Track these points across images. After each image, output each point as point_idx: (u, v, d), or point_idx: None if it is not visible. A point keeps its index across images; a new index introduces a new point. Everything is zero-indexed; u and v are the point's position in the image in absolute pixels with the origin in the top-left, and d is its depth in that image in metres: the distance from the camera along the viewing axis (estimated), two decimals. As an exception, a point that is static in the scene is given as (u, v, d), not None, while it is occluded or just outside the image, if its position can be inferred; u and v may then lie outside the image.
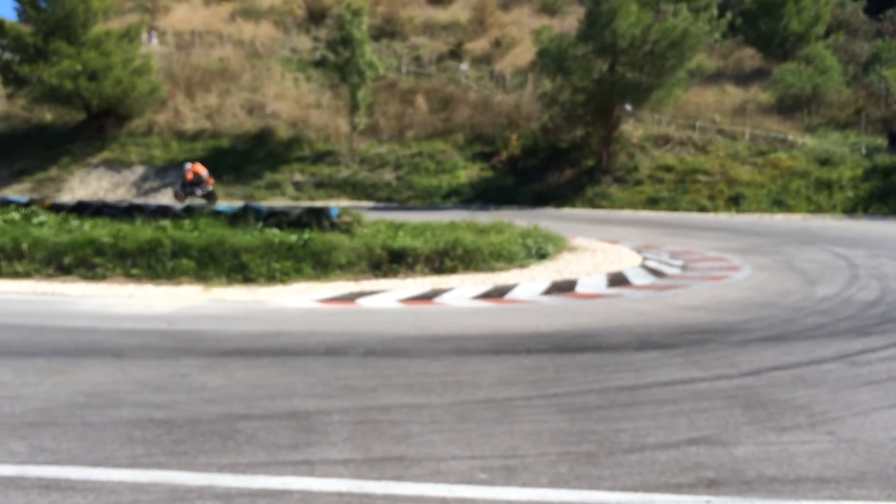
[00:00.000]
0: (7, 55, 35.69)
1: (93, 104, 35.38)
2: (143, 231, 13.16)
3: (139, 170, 34.63)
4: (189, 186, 25.01)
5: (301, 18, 47.72)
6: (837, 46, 38.39)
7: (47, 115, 38.00)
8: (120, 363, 6.66)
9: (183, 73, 39.25)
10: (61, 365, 6.59)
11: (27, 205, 16.14)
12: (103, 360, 6.77)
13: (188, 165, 25.88)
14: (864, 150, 29.95)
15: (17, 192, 30.59)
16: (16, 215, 14.96)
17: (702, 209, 28.13)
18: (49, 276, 12.19)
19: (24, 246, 12.52)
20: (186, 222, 13.93)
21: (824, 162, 29.60)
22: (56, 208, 15.97)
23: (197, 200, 22.34)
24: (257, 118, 36.57)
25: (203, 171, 25.39)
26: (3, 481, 3.99)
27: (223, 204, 19.64)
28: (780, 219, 25.76)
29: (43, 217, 14.86)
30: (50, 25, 34.17)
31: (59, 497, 3.81)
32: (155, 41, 43.55)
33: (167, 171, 34.26)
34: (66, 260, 12.38)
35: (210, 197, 24.43)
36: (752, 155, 30.82)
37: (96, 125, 36.50)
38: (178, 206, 15.94)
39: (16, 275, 12.20)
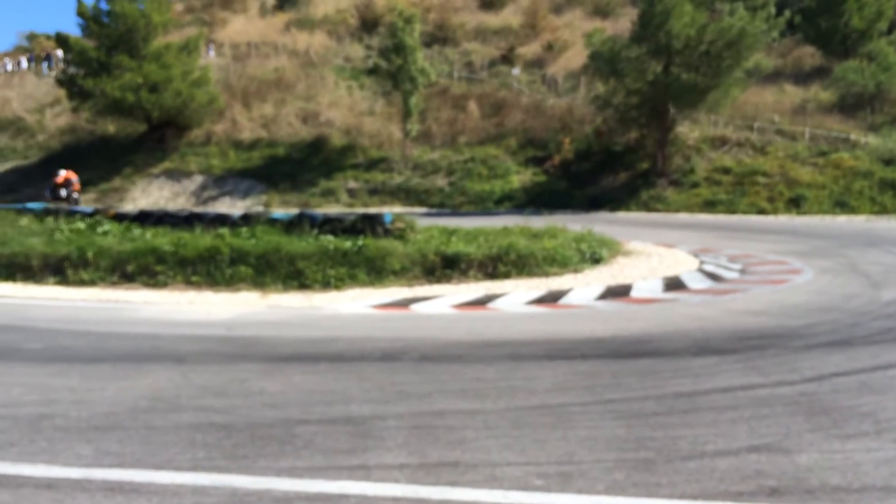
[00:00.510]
0: (72, 69, 36.91)
1: (153, 116, 36.35)
2: (202, 239, 13.44)
3: (198, 179, 35.42)
4: (57, 189, 26.11)
5: (354, 27, 48.28)
6: (901, 42, 37.25)
7: (110, 127, 39.17)
8: (181, 368, 6.81)
9: (239, 83, 40.05)
10: (125, 370, 6.77)
11: (92, 215, 16.62)
12: (165, 366, 6.93)
13: (62, 172, 26.68)
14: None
15: (82, 202, 31.53)
16: (81, 225, 15.42)
17: (761, 212, 27.53)
18: (113, 284, 12.53)
19: (90, 254, 12.90)
20: (244, 230, 14.18)
21: (889, 161, 28.71)
22: (119, 217, 16.40)
23: (63, 204, 23.52)
24: (312, 126, 37.09)
25: (74, 177, 26.42)
26: (70, 483, 4.12)
27: (279, 211, 19.92)
28: (842, 220, 25.05)
29: (107, 226, 15.29)
30: (112, 40, 35.24)
31: (124, 499, 3.91)
32: (212, 53, 44.54)
33: (226, 180, 34.99)
34: (130, 268, 12.72)
35: (70, 199, 25.62)
36: (812, 155, 30.07)
37: (157, 136, 37.48)
38: (236, 214, 16.23)
39: (82, 282, 12.58)
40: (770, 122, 32.67)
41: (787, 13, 30.33)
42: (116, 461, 4.45)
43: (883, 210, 26.65)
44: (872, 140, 30.55)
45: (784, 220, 25.85)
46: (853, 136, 30.93)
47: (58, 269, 12.96)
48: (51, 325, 9.23)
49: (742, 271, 13.37)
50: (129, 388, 6.13)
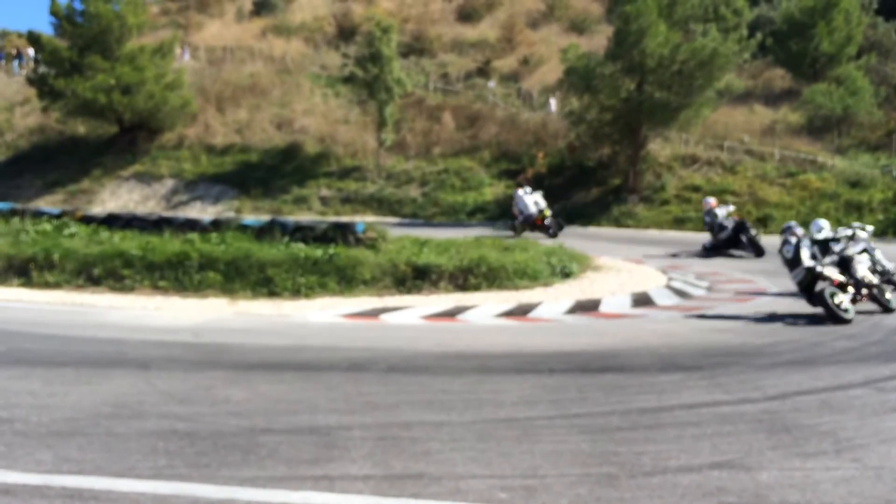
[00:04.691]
0: (43, 69, 36.41)
1: (125, 118, 35.95)
2: (171, 244, 13.32)
3: (169, 183, 35.05)
4: None
5: (331, 35, 48.21)
6: (869, 67, 37.93)
7: (81, 128, 38.65)
8: (146, 374, 6.74)
9: (214, 87, 39.76)
10: (88, 375, 6.68)
11: (59, 216, 16.38)
12: (129, 372, 6.85)
13: None
14: (895, 173, 29.54)
15: (49, 203, 31.08)
16: (48, 226, 15.20)
17: (729, 230, 27.85)
18: (79, 287, 12.36)
19: (56, 257, 12.72)
20: (213, 236, 14.07)
21: (855, 184, 29.22)
22: (87, 220, 16.19)
23: None
24: (286, 133, 36.91)
25: None
26: (29, 490, 4.05)
27: (250, 218, 19.82)
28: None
29: (74, 228, 15.08)
30: (85, 40, 34.80)
31: (83, 507, 3.86)
32: (187, 56, 44.21)
33: (197, 185, 34.66)
34: (96, 271, 12.56)
35: None
36: (780, 176, 30.52)
37: (128, 138, 37.05)
38: (206, 219, 16.10)
39: (46, 285, 12.40)
40: (740, 142, 33.13)
41: (759, 35, 30.80)
42: (76, 468, 4.39)
43: (848, 231, 27.09)
44: (839, 162, 31.09)
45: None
46: (820, 158, 31.45)
47: (22, 271, 12.76)
48: (13, 327, 9.08)
49: (709, 288, 13.53)
50: (92, 393, 6.05)
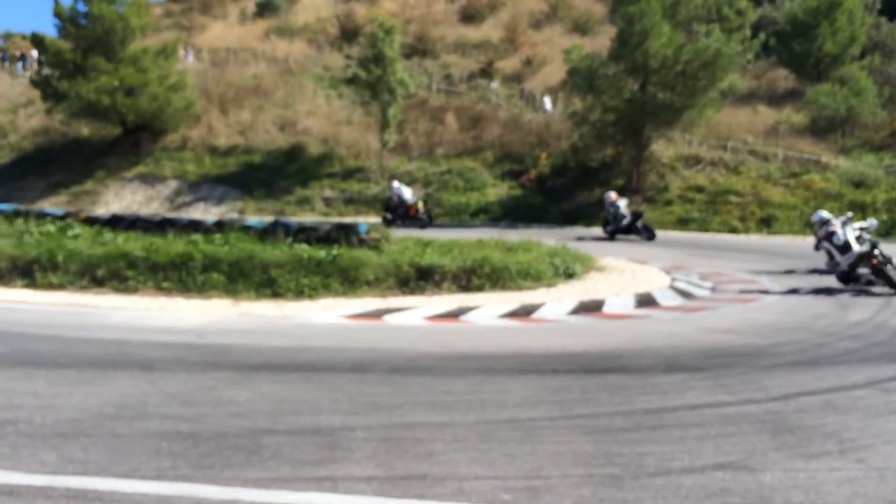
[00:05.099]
0: (47, 70, 36.49)
1: (129, 119, 36.02)
2: (174, 245, 13.34)
3: (173, 184, 35.11)
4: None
5: (334, 37, 48.26)
6: (872, 68, 37.91)
7: (84, 129, 38.72)
8: (149, 375, 6.75)
9: (217, 89, 39.82)
10: (92, 376, 6.69)
11: (63, 217, 16.42)
12: (133, 373, 6.86)
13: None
14: (899, 173, 29.51)
15: (53, 204, 31.15)
16: (51, 227, 15.24)
17: (732, 230, 27.83)
18: (82, 288, 12.39)
19: (59, 258, 12.75)
20: (217, 237, 14.09)
21: (858, 184, 29.20)
22: (91, 221, 16.23)
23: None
24: (289, 134, 36.96)
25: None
26: (33, 491, 4.06)
27: (254, 219, 19.85)
28: (812, 241, 25.33)
29: (78, 230, 15.11)
30: (89, 42, 34.87)
31: (87, 507, 3.87)
32: (191, 58, 44.29)
33: (200, 186, 34.71)
34: (100, 272, 12.58)
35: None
36: (784, 176, 30.50)
37: (132, 140, 37.12)
38: (210, 220, 16.13)
39: (50, 286, 12.42)
40: (743, 143, 33.11)
41: (763, 36, 30.80)
42: (80, 469, 4.39)
43: (852, 232, 27.05)
44: (843, 163, 31.05)
45: (755, 239, 26.15)
46: (824, 159, 31.42)
47: (26, 272, 12.78)
48: (17, 328, 9.10)
49: (713, 289, 13.51)
50: (96, 394, 6.06)
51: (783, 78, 40.66)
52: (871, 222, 15.21)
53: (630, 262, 16.66)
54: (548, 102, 37.56)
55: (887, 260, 12.65)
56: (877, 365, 7.52)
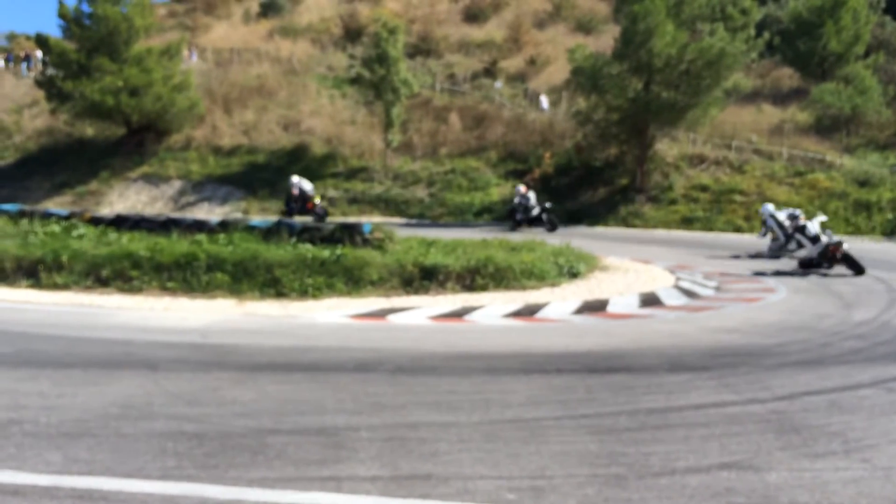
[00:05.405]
0: (51, 71, 36.57)
1: (133, 119, 36.07)
2: (179, 245, 13.36)
3: (177, 184, 35.15)
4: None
5: (337, 36, 48.28)
6: (877, 66, 37.82)
7: (89, 129, 38.79)
8: (154, 375, 6.76)
9: (221, 89, 39.86)
10: (97, 376, 6.70)
11: (67, 217, 16.45)
12: (138, 372, 6.87)
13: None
14: (904, 172, 29.43)
15: (58, 204, 31.21)
16: (56, 228, 15.27)
17: (737, 230, 27.78)
18: (87, 288, 12.41)
19: (64, 258, 12.77)
20: (221, 237, 14.10)
21: (863, 183, 29.12)
22: (95, 221, 16.26)
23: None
24: (293, 134, 36.98)
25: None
26: (39, 491, 4.07)
27: (258, 219, 19.86)
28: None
29: (82, 230, 15.14)
30: (93, 42, 34.93)
31: (92, 507, 3.87)
32: (195, 58, 44.34)
33: (204, 186, 34.76)
34: (104, 272, 12.60)
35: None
36: (789, 175, 30.44)
37: (136, 140, 37.17)
38: (214, 220, 16.15)
39: (55, 286, 12.44)
40: (748, 142, 33.06)
41: (767, 35, 30.72)
42: (86, 468, 4.40)
43: (857, 231, 27.01)
44: (848, 162, 30.98)
45: (760, 238, 26.08)
46: (829, 158, 31.36)
47: (31, 272, 12.81)
48: (22, 328, 9.12)
49: (717, 289, 13.50)
50: (100, 394, 6.07)
51: (788, 77, 40.57)
52: (824, 217, 17.39)
53: (634, 262, 16.65)
54: (544, 101, 37.60)
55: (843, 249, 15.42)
56: (882, 364, 7.51)
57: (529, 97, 38.99)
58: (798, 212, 17.57)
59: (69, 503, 3.92)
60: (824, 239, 15.62)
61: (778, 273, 15.65)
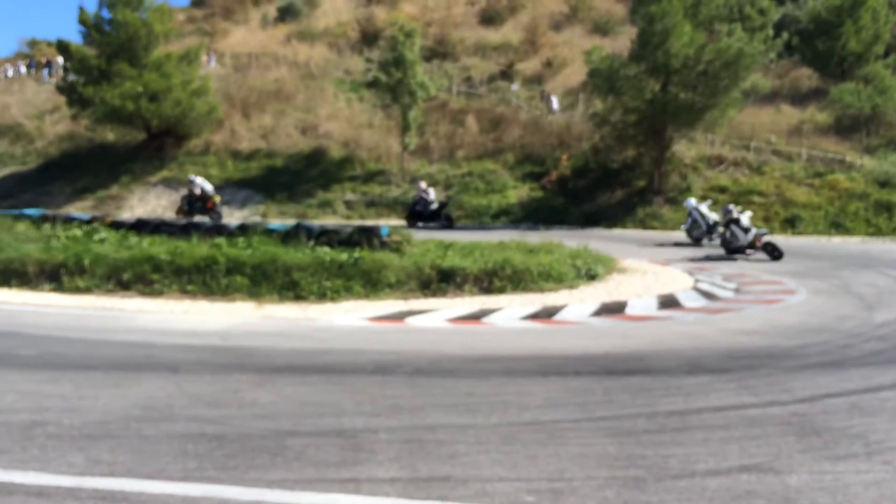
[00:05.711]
0: (72, 77, 36.96)
1: (153, 124, 36.38)
2: (198, 248, 13.44)
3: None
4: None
5: (354, 40, 48.46)
6: (898, 66, 37.51)
7: (109, 134, 39.17)
8: (175, 378, 6.81)
9: (239, 94, 40.12)
10: (118, 378, 6.77)
11: (89, 222, 16.60)
12: (159, 375, 6.93)
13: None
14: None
15: (79, 209, 31.54)
16: (78, 232, 15.42)
17: (756, 231, 27.58)
18: (108, 292, 12.52)
19: (86, 262, 12.89)
20: (240, 240, 14.18)
21: (884, 184, 28.84)
22: (116, 225, 16.40)
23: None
24: (310, 138, 37.14)
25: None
26: (62, 492, 4.12)
27: (276, 222, 19.96)
28: (837, 241, 25.13)
29: (103, 234, 15.28)
30: (113, 48, 35.27)
31: (115, 508, 3.92)
32: (213, 63, 44.65)
33: (223, 190, 34.97)
34: (125, 276, 12.71)
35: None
36: (808, 176, 30.20)
37: (156, 145, 37.48)
38: (233, 223, 16.25)
39: (77, 290, 12.57)
40: (766, 143, 32.83)
41: (785, 35, 30.54)
42: (108, 470, 4.45)
43: (878, 232, 26.76)
44: (868, 162, 30.70)
45: (779, 240, 25.83)
46: (849, 158, 31.08)
47: (54, 276, 12.94)
48: (45, 331, 9.22)
49: (737, 290, 13.42)
50: (122, 396, 6.13)
51: (806, 77, 40.28)
52: (750, 213, 20.30)
53: (652, 264, 16.58)
54: (555, 101, 37.53)
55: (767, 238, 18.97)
56: (904, 366, 7.43)
57: (545, 99, 38.95)
58: (731, 207, 19.91)
59: (92, 504, 3.97)
60: (753, 231, 18.96)
61: (708, 258, 18.96)
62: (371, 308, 11.39)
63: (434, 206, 27.27)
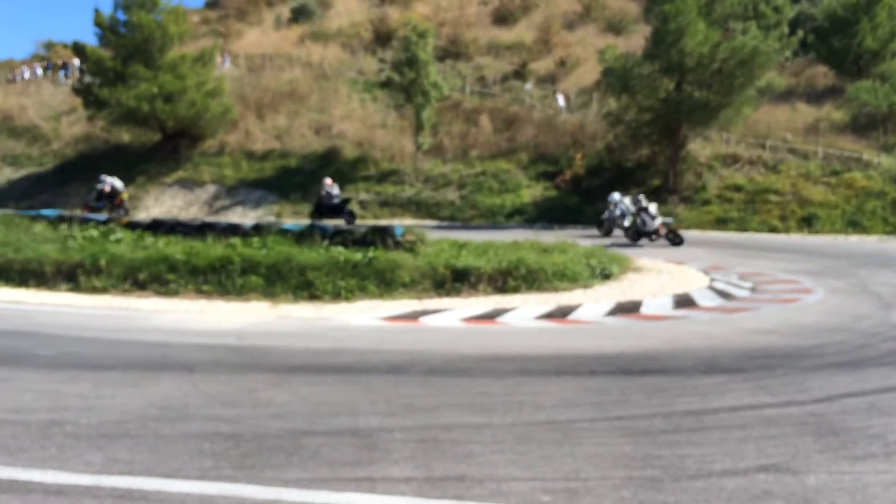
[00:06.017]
0: (88, 78, 37.24)
1: (168, 125, 36.61)
2: (214, 248, 13.51)
3: (211, 189, 35.60)
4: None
5: (368, 41, 48.55)
6: (915, 63, 37.14)
7: (125, 136, 39.45)
8: (191, 377, 6.85)
9: (253, 94, 40.29)
10: (135, 378, 6.81)
11: (105, 222, 16.72)
12: (175, 374, 6.97)
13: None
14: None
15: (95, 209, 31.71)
16: (94, 232, 15.53)
17: (772, 230, 27.45)
18: (125, 292, 12.61)
19: (102, 262, 12.98)
20: (255, 240, 14.24)
21: (902, 182, 28.59)
22: (132, 226, 16.50)
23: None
24: (324, 138, 37.24)
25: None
26: (80, 490, 4.15)
27: (290, 222, 20.01)
28: (854, 240, 24.94)
29: (120, 234, 15.39)
30: (128, 50, 35.52)
31: (132, 506, 3.94)
32: (227, 64, 44.86)
33: (238, 191, 35.16)
34: (141, 276, 12.79)
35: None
36: (825, 174, 29.97)
37: (171, 146, 37.71)
38: (248, 224, 16.31)
39: (94, 290, 12.66)
40: (782, 141, 32.62)
41: (801, 33, 30.34)
42: (125, 469, 4.48)
43: (895, 230, 26.53)
44: (885, 160, 30.43)
45: (796, 238, 25.75)
46: (866, 156, 30.83)
47: (70, 276, 13.04)
48: (62, 331, 9.29)
49: (753, 290, 13.34)
50: (139, 395, 6.17)
51: (822, 75, 39.98)
52: (655, 204, 23.08)
53: (667, 263, 16.51)
54: (561, 99, 37.45)
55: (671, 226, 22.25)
56: (923, 366, 7.36)
57: (554, 98, 38.88)
58: (641, 197, 22.72)
59: (110, 502, 3.99)
60: (660, 219, 22.06)
61: (615, 245, 20.18)
62: (385, 308, 11.40)
63: (336, 200, 27.93)
